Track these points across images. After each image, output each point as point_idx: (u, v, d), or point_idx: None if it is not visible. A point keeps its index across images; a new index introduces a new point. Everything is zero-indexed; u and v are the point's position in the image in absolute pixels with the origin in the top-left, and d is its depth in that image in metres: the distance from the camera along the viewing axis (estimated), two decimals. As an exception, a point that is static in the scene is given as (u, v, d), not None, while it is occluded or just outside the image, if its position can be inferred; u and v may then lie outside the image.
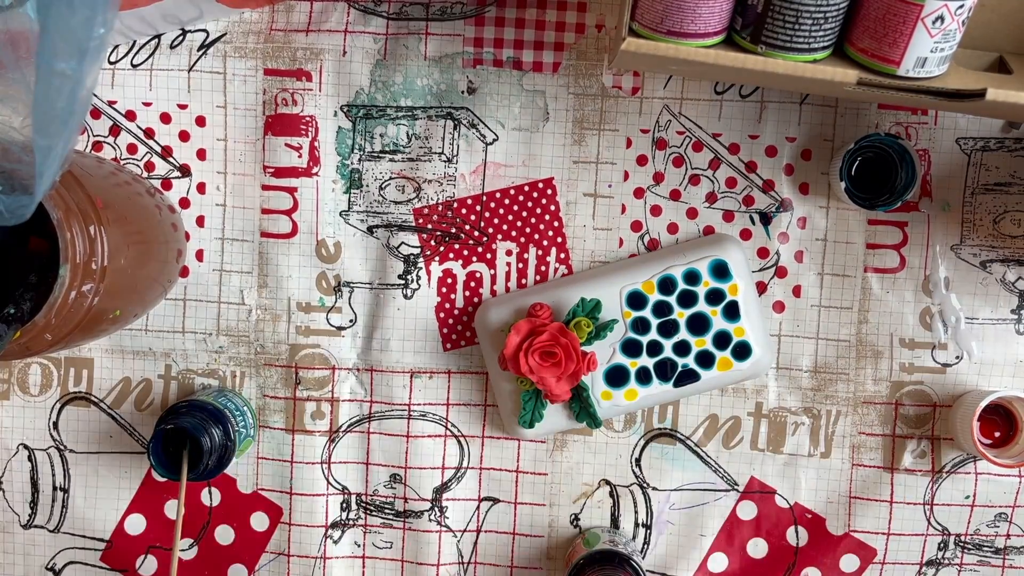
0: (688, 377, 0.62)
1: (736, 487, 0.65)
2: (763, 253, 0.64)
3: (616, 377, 0.62)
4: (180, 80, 0.65)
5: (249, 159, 0.65)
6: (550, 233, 0.65)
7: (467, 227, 0.65)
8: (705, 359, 0.62)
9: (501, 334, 0.63)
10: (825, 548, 0.65)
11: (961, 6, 0.47)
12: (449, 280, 0.65)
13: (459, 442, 0.66)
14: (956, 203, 0.63)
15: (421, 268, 0.65)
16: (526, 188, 0.64)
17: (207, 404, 0.62)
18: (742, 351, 0.62)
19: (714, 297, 0.62)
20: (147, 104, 0.65)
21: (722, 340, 0.62)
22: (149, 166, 0.66)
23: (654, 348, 0.62)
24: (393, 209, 0.65)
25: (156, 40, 0.64)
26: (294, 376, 0.66)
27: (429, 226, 0.65)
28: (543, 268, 0.65)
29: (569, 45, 0.63)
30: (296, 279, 0.65)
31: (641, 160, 0.64)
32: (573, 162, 0.64)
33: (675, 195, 0.64)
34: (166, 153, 0.65)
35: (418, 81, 0.64)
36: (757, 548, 0.65)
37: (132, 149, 0.65)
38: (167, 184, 0.66)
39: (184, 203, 0.66)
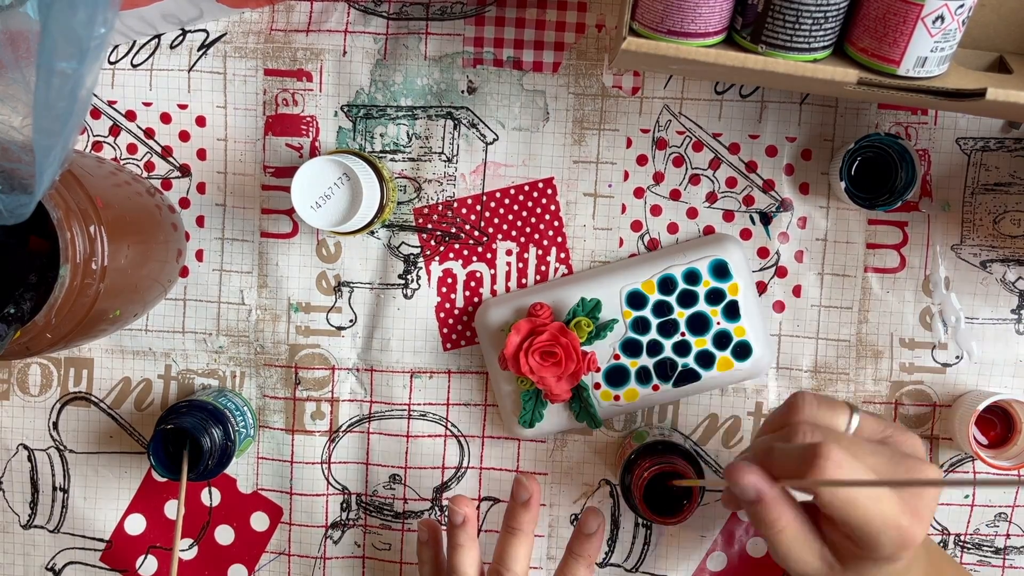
0: (688, 377, 0.62)
1: (736, 487, 0.65)
2: (763, 253, 0.64)
3: (616, 377, 0.62)
4: (180, 80, 0.65)
5: (249, 159, 0.65)
6: (550, 233, 0.65)
7: (467, 227, 0.65)
8: (705, 359, 0.62)
9: (501, 334, 0.63)
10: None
11: (961, 6, 0.47)
12: (449, 280, 0.65)
13: (459, 442, 0.66)
14: (956, 203, 0.63)
15: (421, 268, 0.65)
16: (526, 188, 0.64)
17: (207, 404, 0.62)
18: (742, 351, 0.62)
19: (714, 297, 0.62)
20: (147, 104, 0.65)
21: (722, 340, 0.62)
22: (149, 166, 0.66)
23: (654, 348, 0.62)
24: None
25: (156, 40, 0.64)
26: (294, 376, 0.66)
27: (429, 226, 0.65)
28: (543, 268, 0.65)
29: (569, 45, 0.63)
30: (296, 279, 0.65)
31: (641, 160, 0.64)
32: (573, 162, 0.64)
33: (675, 195, 0.64)
34: (166, 153, 0.65)
35: (418, 81, 0.64)
36: (757, 547, 0.65)
37: (132, 149, 0.65)
38: (167, 184, 0.66)
39: (184, 203, 0.66)
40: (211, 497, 0.67)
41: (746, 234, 0.64)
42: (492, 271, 0.65)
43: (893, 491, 0.44)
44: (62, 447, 0.67)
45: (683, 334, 0.62)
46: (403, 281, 0.65)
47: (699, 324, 0.62)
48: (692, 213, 0.64)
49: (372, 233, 0.65)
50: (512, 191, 0.64)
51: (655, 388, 0.62)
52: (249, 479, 0.67)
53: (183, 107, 0.65)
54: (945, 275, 0.63)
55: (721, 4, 0.49)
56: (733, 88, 0.63)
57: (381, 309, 0.65)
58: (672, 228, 0.64)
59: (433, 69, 0.64)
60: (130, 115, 0.65)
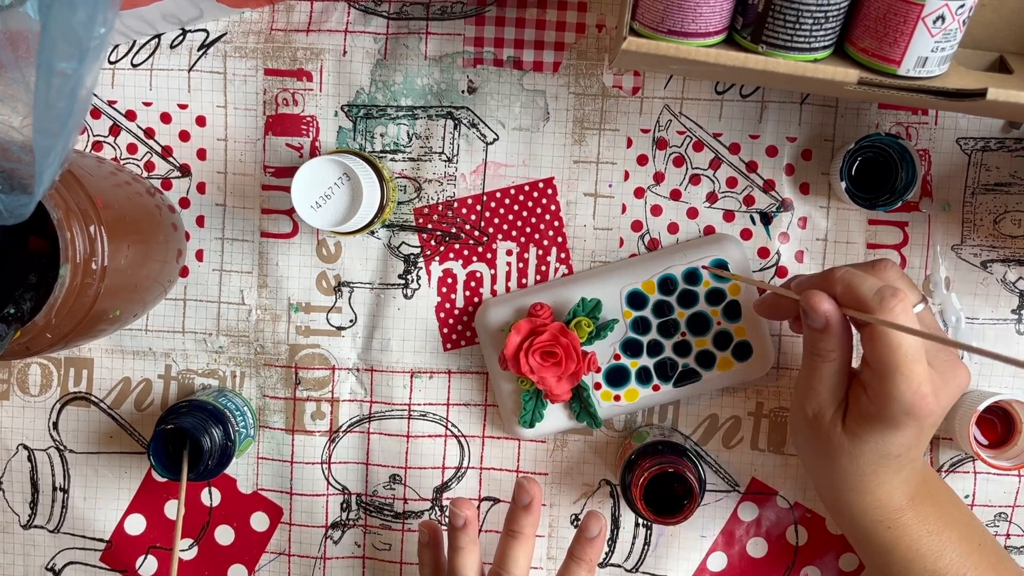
0: (689, 377, 0.62)
1: (737, 488, 0.65)
2: (763, 253, 0.64)
3: (616, 377, 0.62)
4: (180, 80, 0.65)
5: (249, 159, 0.65)
6: (550, 233, 0.65)
7: (467, 227, 0.65)
8: (706, 359, 0.62)
9: (501, 334, 0.63)
10: (825, 547, 0.65)
11: (962, 6, 0.47)
12: (449, 280, 0.65)
13: (459, 442, 0.66)
14: (956, 203, 0.63)
15: (421, 268, 0.65)
16: (526, 188, 0.64)
17: (207, 404, 0.61)
18: (743, 351, 0.62)
19: (714, 297, 0.62)
20: (147, 104, 0.65)
21: (723, 340, 0.62)
22: (149, 166, 0.66)
23: (654, 348, 0.62)
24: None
25: (156, 40, 0.64)
26: (294, 376, 0.66)
27: (429, 226, 0.65)
28: (543, 268, 0.65)
29: (569, 45, 0.63)
30: (296, 279, 0.65)
31: (641, 160, 0.64)
32: (573, 162, 0.64)
33: (675, 195, 0.64)
34: (166, 153, 0.65)
35: (418, 81, 0.64)
36: (757, 547, 0.65)
37: (132, 149, 0.65)
38: (167, 184, 0.66)
39: (184, 203, 0.66)
40: (211, 497, 0.67)
41: (746, 234, 0.64)
42: (492, 271, 0.65)
43: (930, 365, 0.47)
44: (62, 447, 0.67)
45: (683, 334, 0.62)
46: (403, 281, 0.65)
47: (699, 324, 0.62)
48: (692, 213, 0.64)
49: (372, 233, 0.65)
50: (512, 191, 0.64)
51: (655, 388, 0.62)
52: (249, 479, 0.67)
53: (183, 107, 0.65)
54: (945, 275, 0.63)
55: (721, 4, 0.49)
56: (733, 88, 0.63)
57: (381, 309, 0.65)
58: (672, 228, 0.64)
59: (433, 69, 0.64)
60: (130, 115, 0.65)
